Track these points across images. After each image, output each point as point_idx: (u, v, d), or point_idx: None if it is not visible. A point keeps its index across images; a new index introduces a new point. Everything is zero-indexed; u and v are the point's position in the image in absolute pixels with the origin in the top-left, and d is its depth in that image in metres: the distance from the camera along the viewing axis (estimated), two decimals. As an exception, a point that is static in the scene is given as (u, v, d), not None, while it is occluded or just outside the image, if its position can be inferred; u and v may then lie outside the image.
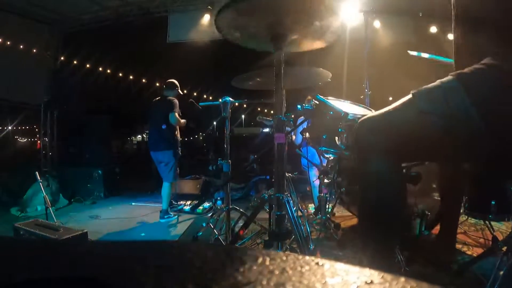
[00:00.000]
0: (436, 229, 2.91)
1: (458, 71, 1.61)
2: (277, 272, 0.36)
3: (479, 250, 3.13)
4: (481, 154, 1.65)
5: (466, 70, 1.59)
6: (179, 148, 5.74)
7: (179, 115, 5.56)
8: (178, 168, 5.79)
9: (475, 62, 1.58)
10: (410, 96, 1.64)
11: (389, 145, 1.61)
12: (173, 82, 5.89)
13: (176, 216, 5.47)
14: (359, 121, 1.79)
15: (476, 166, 2.26)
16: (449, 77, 1.60)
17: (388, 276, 0.34)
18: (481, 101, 1.48)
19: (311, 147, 4.62)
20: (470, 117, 1.47)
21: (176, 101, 5.59)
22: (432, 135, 1.55)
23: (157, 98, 5.82)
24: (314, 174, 5.28)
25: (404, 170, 2.60)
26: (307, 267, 0.36)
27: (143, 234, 4.80)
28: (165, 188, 5.58)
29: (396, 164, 1.66)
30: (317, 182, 4.66)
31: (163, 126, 5.52)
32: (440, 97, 1.55)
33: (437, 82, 1.62)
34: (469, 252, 3.15)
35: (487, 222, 3.40)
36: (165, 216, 5.47)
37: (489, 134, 1.47)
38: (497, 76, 1.50)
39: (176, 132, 5.66)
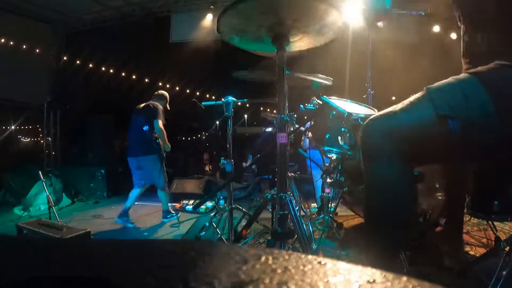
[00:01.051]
0: (438, 229, 2.91)
1: (473, 69, 1.56)
2: (279, 270, 0.36)
3: (482, 250, 3.12)
4: (497, 154, 1.60)
5: (480, 68, 1.54)
6: (163, 151, 5.43)
7: (163, 124, 5.31)
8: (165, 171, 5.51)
9: (484, 62, 1.55)
10: (421, 93, 1.57)
11: (400, 148, 1.52)
12: (163, 93, 5.74)
13: (178, 215, 5.41)
14: (365, 122, 1.70)
15: (483, 166, 2.25)
16: (464, 75, 1.55)
17: (390, 275, 0.34)
18: (500, 98, 1.43)
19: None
20: (489, 116, 1.42)
21: (160, 107, 5.38)
22: (450, 137, 1.47)
23: (141, 105, 5.50)
24: (317, 174, 5.27)
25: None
26: (309, 266, 0.37)
27: (146, 234, 4.81)
28: (162, 195, 5.46)
29: (407, 168, 1.57)
30: (320, 183, 4.66)
31: (145, 128, 5.26)
32: (459, 96, 1.48)
33: (451, 79, 1.56)
34: (472, 252, 3.14)
35: (490, 222, 3.40)
36: (168, 216, 5.40)
37: (506, 133, 1.43)
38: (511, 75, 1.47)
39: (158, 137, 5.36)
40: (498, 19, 1.61)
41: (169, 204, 6.05)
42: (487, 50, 1.61)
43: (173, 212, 5.49)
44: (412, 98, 1.58)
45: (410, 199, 1.61)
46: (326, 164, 3.86)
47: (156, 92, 5.77)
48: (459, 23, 1.83)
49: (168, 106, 5.69)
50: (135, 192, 5.35)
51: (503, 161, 1.80)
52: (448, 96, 1.50)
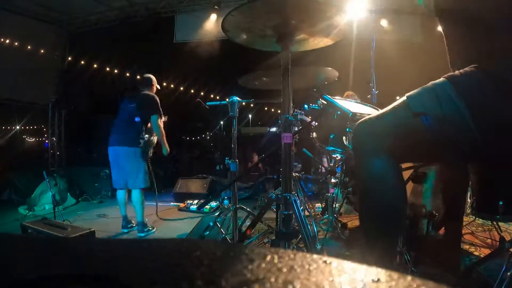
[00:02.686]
0: (442, 230, 2.90)
1: (450, 74, 1.66)
2: (285, 270, 0.36)
3: (487, 251, 3.11)
4: (475, 154, 1.68)
5: (457, 72, 1.64)
6: (150, 150, 4.79)
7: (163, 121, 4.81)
8: (149, 173, 4.84)
9: (467, 64, 1.63)
10: (404, 98, 1.70)
11: (384, 146, 1.66)
12: (150, 77, 5.03)
13: (154, 230, 4.90)
14: (356, 124, 1.85)
15: (482, 166, 2.26)
16: (442, 79, 1.65)
17: (395, 275, 0.34)
18: (472, 101, 1.53)
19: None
20: (461, 116, 1.52)
21: (157, 99, 4.81)
22: (426, 135, 1.60)
23: (131, 94, 5.01)
24: None
25: (412, 170, 2.60)
26: (314, 265, 0.37)
27: (150, 233, 4.81)
28: (137, 197, 4.73)
29: (393, 163, 1.69)
30: None
31: (137, 119, 4.65)
32: (432, 97, 1.60)
33: (430, 83, 1.67)
34: (476, 253, 3.13)
35: (494, 222, 3.38)
36: (145, 230, 4.72)
37: (480, 133, 1.52)
38: (486, 79, 1.54)
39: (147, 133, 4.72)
40: (481, 19, 1.65)
41: (174, 203, 6.02)
42: (470, 51, 1.69)
43: (149, 226, 4.87)
44: (394, 103, 1.74)
45: (398, 190, 1.70)
46: (330, 164, 3.87)
47: (141, 78, 5.15)
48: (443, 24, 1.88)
49: (157, 86, 5.11)
50: (121, 197, 4.87)
51: (496, 161, 1.84)
52: (422, 97, 1.65)
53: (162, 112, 4.78)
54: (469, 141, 1.55)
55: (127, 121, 4.74)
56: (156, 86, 5.07)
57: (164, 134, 4.83)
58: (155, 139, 4.83)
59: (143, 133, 4.66)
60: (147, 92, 4.89)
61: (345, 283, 0.34)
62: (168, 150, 4.99)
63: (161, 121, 4.76)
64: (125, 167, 4.73)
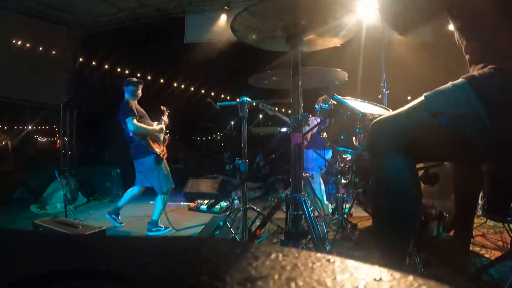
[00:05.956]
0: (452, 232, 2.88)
1: (468, 74, 1.66)
2: (289, 267, 0.36)
3: (497, 253, 3.08)
4: (491, 153, 1.67)
5: (476, 73, 1.63)
6: (161, 151, 4.94)
7: (136, 118, 4.71)
8: (168, 172, 4.96)
9: (485, 65, 1.62)
10: (422, 98, 1.69)
11: (400, 145, 1.66)
12: (128, 80, 4.96)
13: (168, 229, 4.91)
14: (371, 123, 1.84)
15: (494, 167, 2.24)
16: (460, 80, 1.64)
17: (397, 274, 0.35)
18: (490, 101, 1.52)
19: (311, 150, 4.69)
20: (479, 116, 1.51)
21: (126, 102, 4.76)
22: (443, 135, 1.59)
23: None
24: (318, 178, 5.25)
25: (422, 171, 2.59)
26: (318, 264, 0.37)
27: (159, 233, 4.83)
28: (159, 201, 4.84)
29: (409, 163, 1.68)
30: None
31: (130, 133, 4.75)
32: (451, 98, 1.60)
33: (449, 84, 1.66)
34: (487, 255, 3.10)
35: (506, 224, 3.35)
36: (153, 229, 4.80)
37: (498, 133, 1.51)
38: (505, 79, 1.53)
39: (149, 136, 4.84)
40: (495, 19, 1.64)
41: (183, 203, 6.03)
42: (485, 52, 1.68)
43: (161, 226, 4.88)
44: (411, 103, 1.74)
45: (413, 190, 1.70)
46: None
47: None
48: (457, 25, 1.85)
49: (139, 91, 4.94)
50: (130, 191, 5.13)
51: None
52: (440, 97, 1.65)
53: (134, 113, 4.68)
54: (486, 141, 1.55)
55: (126, 137, 4.92)
56: (138, 92, 4.95)
57: (148, 128, 4.86)
58: (160, 136, 5.05)
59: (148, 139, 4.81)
60: (122, 102, 4.88)
61: (347, 281, 0.34)
62: (162, 127, 5.06)
63: (135, 121, 4.67)
64: (147, 175, 4.94)
